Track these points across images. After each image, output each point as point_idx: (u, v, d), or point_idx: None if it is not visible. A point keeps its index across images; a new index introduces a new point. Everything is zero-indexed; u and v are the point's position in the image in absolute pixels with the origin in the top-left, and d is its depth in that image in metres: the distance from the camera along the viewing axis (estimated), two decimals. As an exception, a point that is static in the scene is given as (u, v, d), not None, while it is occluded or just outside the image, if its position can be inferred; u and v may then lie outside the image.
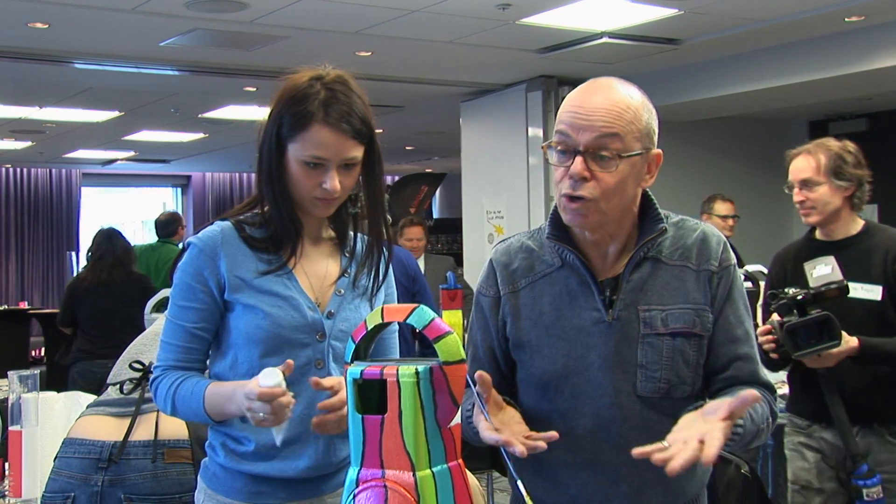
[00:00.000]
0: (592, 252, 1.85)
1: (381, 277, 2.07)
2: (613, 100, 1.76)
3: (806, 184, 3.10)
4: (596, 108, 1.75)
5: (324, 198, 1.93)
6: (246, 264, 1.96)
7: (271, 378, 1.78)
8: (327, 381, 1.85)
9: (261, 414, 1.76)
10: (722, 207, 6.27)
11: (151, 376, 1.99)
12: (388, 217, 2.10)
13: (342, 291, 2.02)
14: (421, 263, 6.63)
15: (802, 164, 3.11)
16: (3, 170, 13.74)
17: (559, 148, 1.78)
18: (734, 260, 1.88)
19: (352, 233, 2.10)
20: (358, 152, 1.93)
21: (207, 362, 2.01)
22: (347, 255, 2.07)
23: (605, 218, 1.78)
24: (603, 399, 1.78)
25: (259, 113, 9.15)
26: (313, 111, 1.89)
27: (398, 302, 2.03)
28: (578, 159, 1.74)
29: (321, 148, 1.90)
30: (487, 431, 1.66)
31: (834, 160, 3.06)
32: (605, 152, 1.73)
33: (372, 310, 1.98)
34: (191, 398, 1.92)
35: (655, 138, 1.81)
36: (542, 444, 1.65)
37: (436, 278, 6.22)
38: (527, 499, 1.65)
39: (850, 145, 3.13)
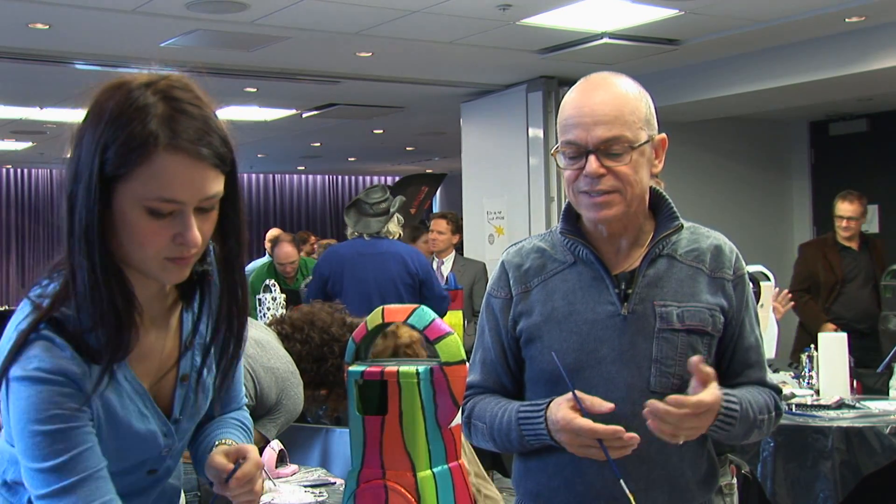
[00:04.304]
0: (605, 247, 1.87)
1: (229, 374, 1.55)
2: (613, 95, 1.80)
3: None
4: (598, 106, 1.78)
5: (179, 257, 1.37)
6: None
7: None
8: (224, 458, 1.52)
9: None
10: (840, 207, 5.99)
11: None
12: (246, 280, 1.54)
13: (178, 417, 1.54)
14: (448, 264, 6.59)
15: None
16: (4, 170, 13.75)
17: (568, 152, 1.80)
18: (746, 268, 1.92)
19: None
20: (220, 186, 1.39)
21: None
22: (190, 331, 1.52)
23: (628, 208, 1.81)
24: (614, 394, 1.78)
25: (260, 114, 9.14)
26: (154, 131, 1.33)
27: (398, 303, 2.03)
28: (592, 158, 1.77)
29: (171, 185, 1.33)
30: (581, 421, 1.68)
31: None
32: (615, 148, 1.77)
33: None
34: None
35: (656, 123, 1.84)
36: (635, 437, 1.66)
37: (461, 281, 6.19)
38: (631, 498, 1.66)
39: None
